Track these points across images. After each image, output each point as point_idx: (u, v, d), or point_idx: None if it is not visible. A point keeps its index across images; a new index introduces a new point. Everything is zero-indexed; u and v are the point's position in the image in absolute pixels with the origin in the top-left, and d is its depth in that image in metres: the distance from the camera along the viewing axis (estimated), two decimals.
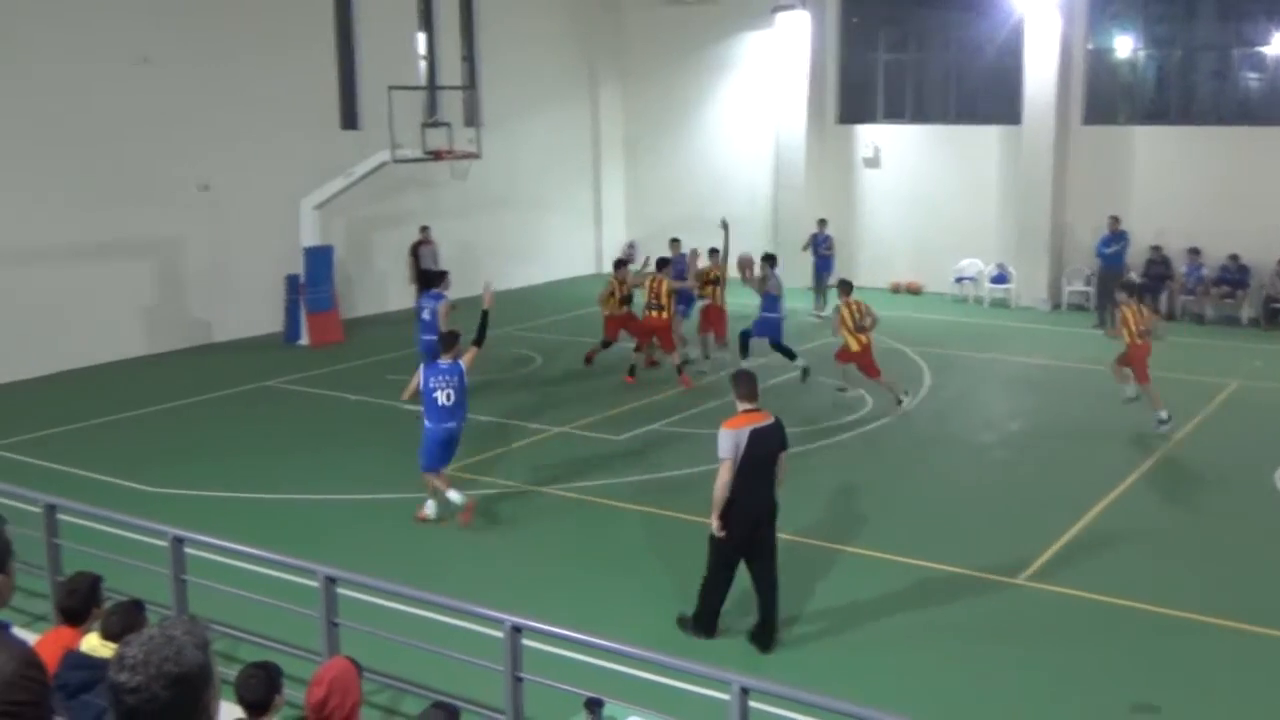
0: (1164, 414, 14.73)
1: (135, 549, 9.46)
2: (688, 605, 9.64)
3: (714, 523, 8.96)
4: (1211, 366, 18.31)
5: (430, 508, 11.76)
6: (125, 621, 5.93)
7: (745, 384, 9.18)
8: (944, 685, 8.53)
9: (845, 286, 16.58)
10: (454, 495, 11.65)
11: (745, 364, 16.71)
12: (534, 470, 13.34)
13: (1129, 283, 16.85)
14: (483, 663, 7.09)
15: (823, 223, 23.44)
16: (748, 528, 8.95)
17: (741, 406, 9.06)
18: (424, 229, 22.08)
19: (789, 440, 9.19)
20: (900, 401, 15.88)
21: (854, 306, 15.94)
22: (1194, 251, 22.06)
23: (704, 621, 9.21)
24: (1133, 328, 14.78)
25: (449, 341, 11.95)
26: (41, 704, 3.15)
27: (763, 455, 8.86)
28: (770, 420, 9.01)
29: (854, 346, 15.79)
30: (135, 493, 12.55)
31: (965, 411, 16.14)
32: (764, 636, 9.08)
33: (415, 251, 21.98)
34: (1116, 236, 21.47)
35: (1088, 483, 12.81)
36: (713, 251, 19.01)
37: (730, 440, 8.79)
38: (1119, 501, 12.32)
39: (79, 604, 6.08)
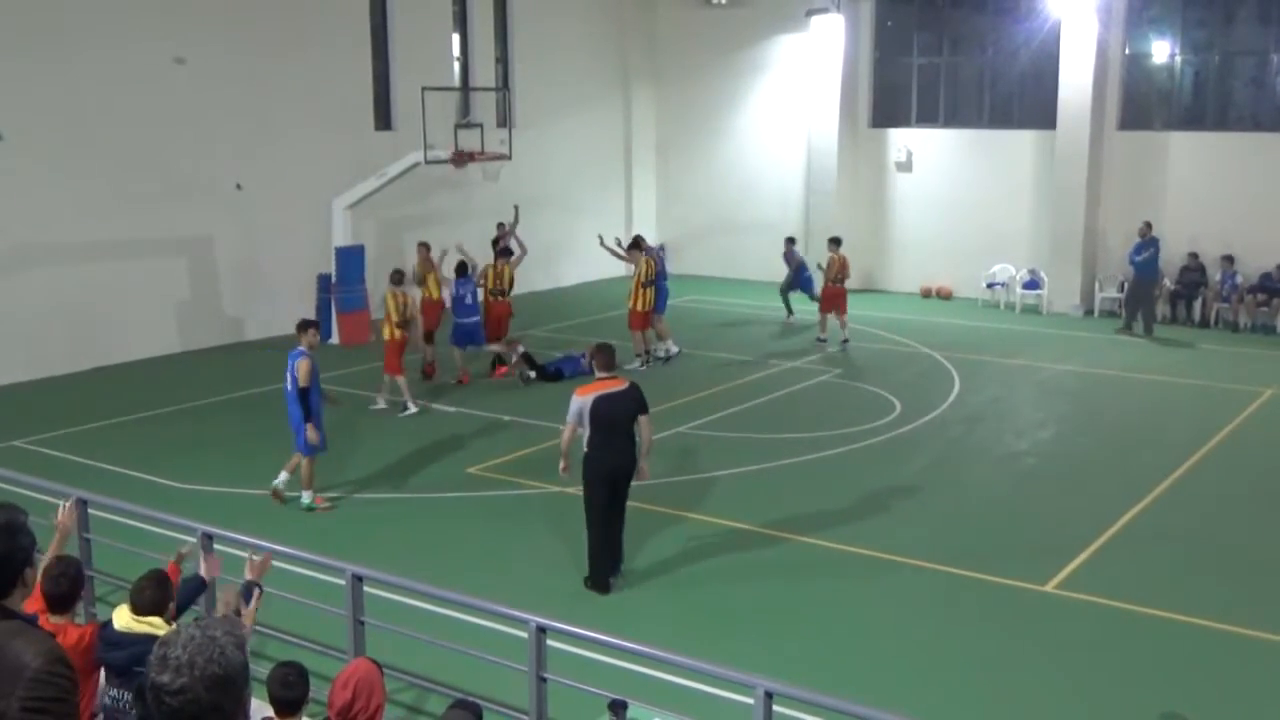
0: (824, 335, 20.35)
1: (165, 544, 9.53)
2: (712, 606, 9.72)
3: (560, 464, 10.35)
4: (1245, 375, 18.14)
5: (281, 478, 12.24)
6: (157, 595, 6.02)
7: (602, 355, 10.37)
8: (971, 693, 8.49)
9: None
10: (282, 476, 12.23)
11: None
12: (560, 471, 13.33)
13: (836, 237, 20.78)
14: (507, 663, 7.10)
15: (790, 241, 22.97)
16: (607, 480, 10.02)
17: (597, 375, 10.24)
18: (500, 225, 22.17)
19: (647, 404, 10.20)
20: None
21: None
22: (1228, 259, 21.84)
23: (597, 579, 10.15)
24: (835, 273, 19.94)
25: (301, 327, 12.27)
26: (69, 700, 3.18)
27: (614, 417, 9.94)
28: (622, 387, 10.10)
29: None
30: (166, 488, 12.66)
31: (995, 418, 16.04)
32: (601, 576, 10.16)
33: (496, 244, 21.93)
34: (1148, 243, 21.26)
35: (1118, 490, 12.72)
36: (505, 252, 19.02)
37: (575, 406, 10.06)
38: (1149, 510, 12.21)
39: (68, 589, 6.06)
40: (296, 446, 12.12)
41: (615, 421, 9.96)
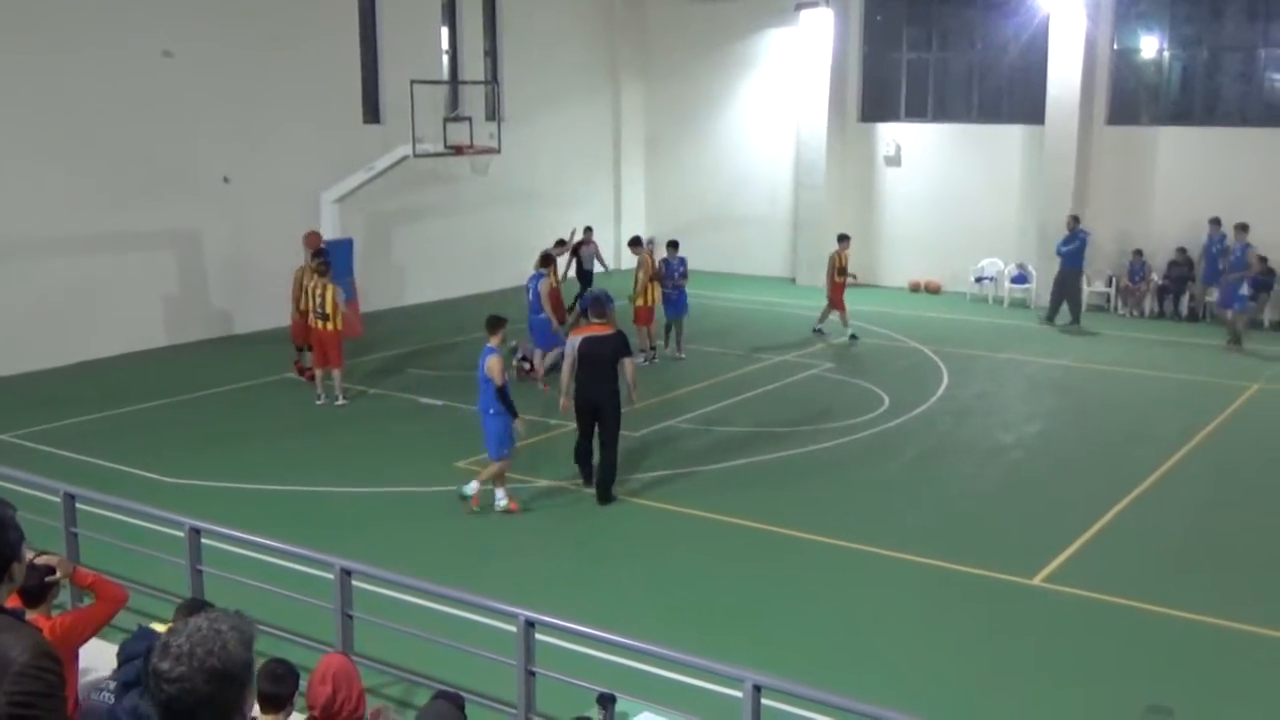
0: (851, 332, 20.12)
1: (153, 539, 9.52)
2: (701, 600, 9.78)
3: (561, 400, 12.24)
4: (1233, 369, 18.21)
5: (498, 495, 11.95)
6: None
7: (596, 305, 12.42)
8: (958, 685, 8.51)
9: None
10: (473, 485, 11.97)
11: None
12: (550, 465, 13.34)
13: (844, 234, 20.89)
14: (496, 657, 7.10)
15: (674, 245, 19.20)
16: (590, 406, 11.97)
17: (591, 320, 12.28)
18: (588, 229, 21.95)
19: (630, 349, 12.32)
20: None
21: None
22: (1215, 221, 21.64)
23: (581, 471, 12.43)
24: (838, 265, 20.05)
25: (491, 325, 12.05)
26: (56, 694, 3.16)
27: (596, 357, 11.83)
28: (607, 332, 12.01)
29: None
30: (153, 483, 12.61)
31: (983, 412, 16.08)
32: (600, 490, 12.07)
33: (576, 251, 21.45)
34: (1074, 235, 21.53)
35: (1105, 485, 12.76)
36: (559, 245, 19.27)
37: (570, 345, 12.16)
38: (1136, 504, 12.26)
39: (38, 582, 6.03)
40: (490, 451, 11.89)
41: (598, 361, 11.83)
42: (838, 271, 20.03)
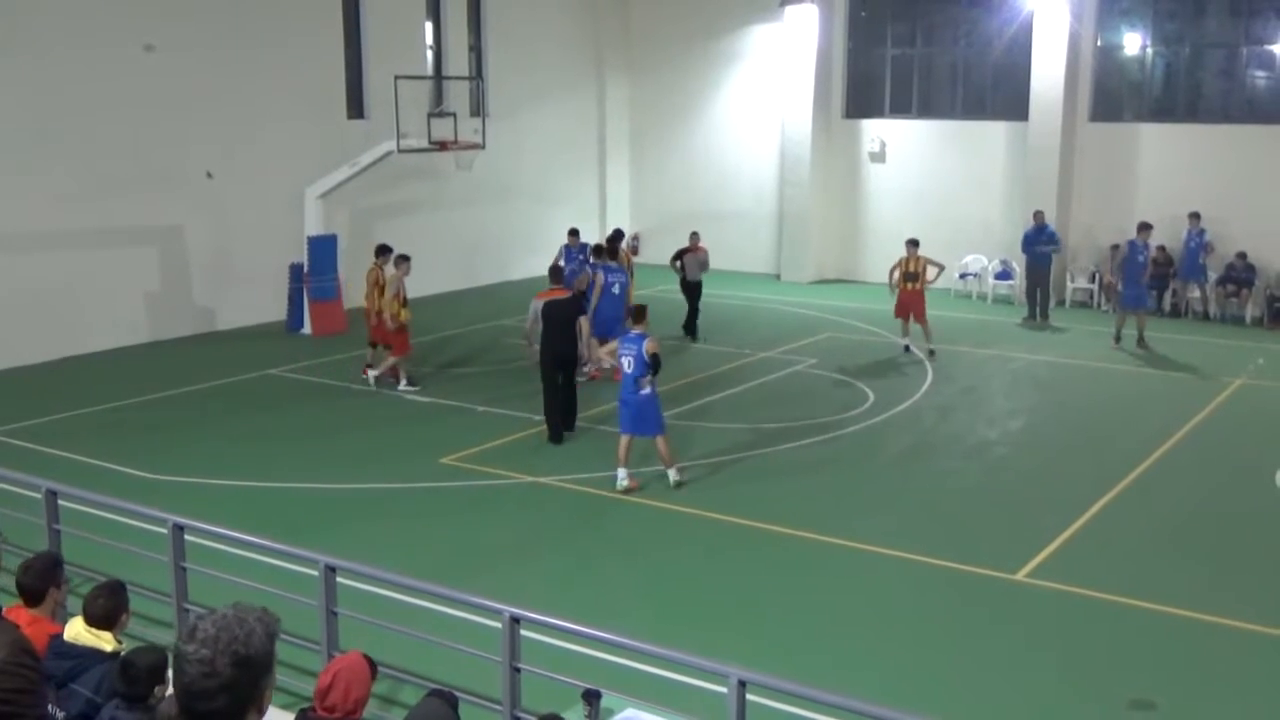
0: (931, 347, 18.70)
1: (136, 535, 9.47)
2: (686, 595, 9.79)
3: (530, 349, 14.75)
4: (1215, 365, 18.29)
5: (673, 474, 12.42)
6: (111, 604, 5.87)
7: (555, 273, 15.81)
8: (941, 680, 8.53)
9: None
10: (672, 474, 12.42)
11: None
12: (537, 460, 13.34)
13: (913, 239, 19.06)
14: (481, 653, 7.09)
15: (598, 251, 17.85)
16: (553, 361, 13.97)
17: (550, 285, 15.18)
18: (694, 235, 20.98)
19: (585, 309, 14.81)
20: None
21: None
22: (1194, 216, 21.76)
23: (550, 432, 14.01)
24: (903, 270, 18.66)
25: (638, 314, 12.52)
26: (35, 691, 3.16)
27: (555, 318, 13.96)
28: (564, 296, 14.48)
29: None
30: (136, 479, 12.56)
31: (967, 408, 16.12)
32: (568, 422, 14.16)
33: (681, 258, 20.32)
34: (1041, 230, 21.67)
35: (1088, 480, 12.80)
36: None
37: (533, 308, 14.72)
38: (1119, 499, 12.30)
39: (35, 581, 5.96)
40: (649, 432, 12.32)
41: (558, 320, 13.91)
42: (903, 278, 18.68)
